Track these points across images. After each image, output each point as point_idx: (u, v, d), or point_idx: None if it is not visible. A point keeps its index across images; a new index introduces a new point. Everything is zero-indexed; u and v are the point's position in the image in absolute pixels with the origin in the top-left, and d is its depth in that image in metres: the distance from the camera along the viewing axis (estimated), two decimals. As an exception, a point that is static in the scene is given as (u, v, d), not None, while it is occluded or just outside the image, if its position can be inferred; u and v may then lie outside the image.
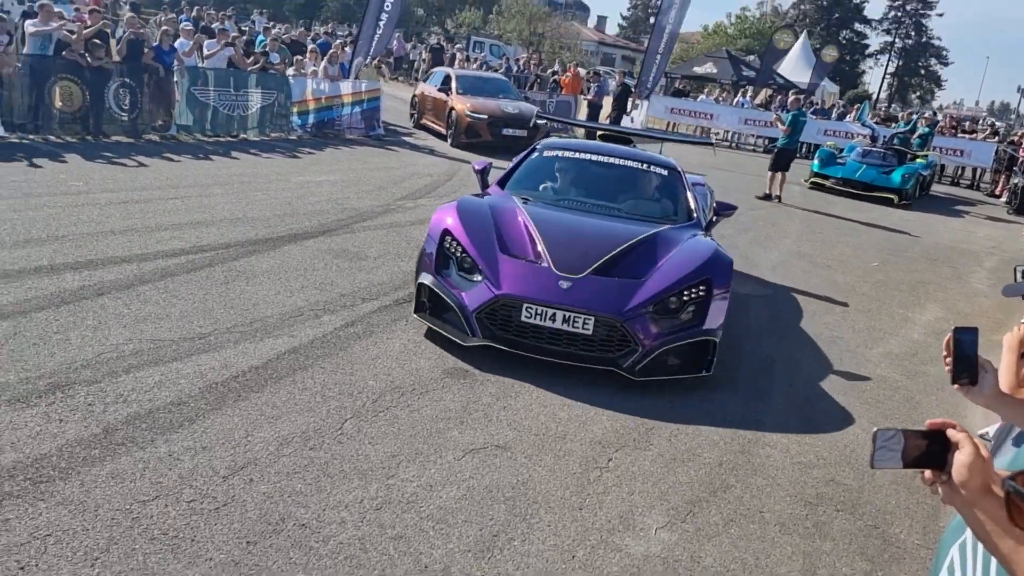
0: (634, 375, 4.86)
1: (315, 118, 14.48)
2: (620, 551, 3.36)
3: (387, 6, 15.71)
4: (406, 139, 15.97)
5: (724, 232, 9.86)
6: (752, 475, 4.18)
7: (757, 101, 25.20)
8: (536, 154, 6.91)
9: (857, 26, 60.54)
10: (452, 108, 15.48)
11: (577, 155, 6.79)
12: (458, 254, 5.21)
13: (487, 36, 44.07)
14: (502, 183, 6.56)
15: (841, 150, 17.91)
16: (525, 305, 4.85)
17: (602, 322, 4.83)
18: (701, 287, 5.09)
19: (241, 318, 5.23)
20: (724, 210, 6.84)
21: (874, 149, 17.55)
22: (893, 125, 22.71)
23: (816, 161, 17.13)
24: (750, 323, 6.88)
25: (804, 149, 20.44)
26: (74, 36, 11.19)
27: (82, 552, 2.85)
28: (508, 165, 7.06)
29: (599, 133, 8.05)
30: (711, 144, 8.81)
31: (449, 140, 15.51)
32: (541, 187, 6.55)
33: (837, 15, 58.76)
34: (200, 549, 2.96)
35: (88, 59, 11.06)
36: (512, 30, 44.39)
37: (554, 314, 4.82)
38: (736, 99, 25.97)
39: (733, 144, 23.92)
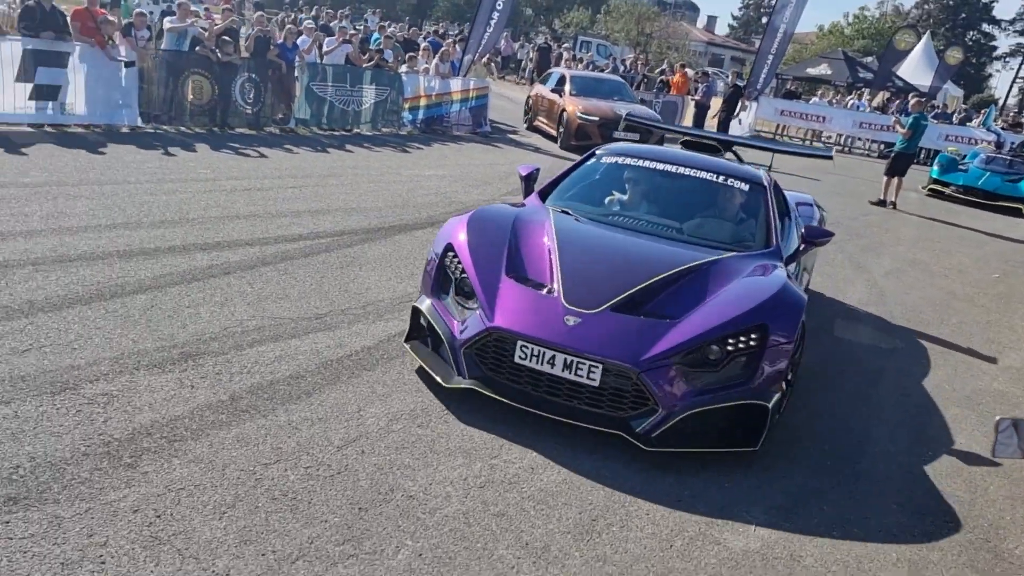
0: (649, 444, 3.83)
1: (425, 114, 14.86)
2: (718, 544, 3.37)
3: (498, 5, 15.93)
4: (512, 136, 16.18)
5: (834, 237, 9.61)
6: (857, 481, 4.10)
7: (874, 104, 24.25)
8: (593, 160, 5.92)
9: (985, 27, 57.36)
10: (563, 109, 15.43)
11: (641, 163, 5.68)
12: (458, 274, 4.39)
13: (594, 36, 43.97)
14: (544, 193, 5.60)
15: (963, 156, 17.08)
16: (520, 343, 3.95)
17: (612, 371, 3.86)
18: (753, 335, 3.98)
19: (355, 301, 5.48)
20: (815, 237, 5.39)
21: (1000, 156, 16.68)
22: (1022, 131, 21.46)
23: (936, 167, 16.41)
24: (860, 330, 6.70)
25: (922, 155, 19.56)
26: (206, 33, 11.86)
27: (211, 506, 3.08)
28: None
29: (682, 139, 6.84)
30: (830, 157, 7.89)
31: (559, 143, 15.34)
32: (589, 199, 5.54)
33: (964, 15, 55.85)
34: (316, 511, 3.15)
35: (218, 55, 11.70)
36: (620, 30, 44.14)
37: (553, 357, 3.90)
38: (851, 101, 25.08)
39: (846, 148, 23.12)
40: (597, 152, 6.01)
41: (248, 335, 4.67)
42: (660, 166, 5.65)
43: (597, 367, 3.86)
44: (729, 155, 6.75)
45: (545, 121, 16.78)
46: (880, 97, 24.86)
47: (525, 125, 17.75)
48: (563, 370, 3.90)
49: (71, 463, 3.20)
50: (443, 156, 12.68)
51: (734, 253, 4.82)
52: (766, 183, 5.61)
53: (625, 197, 5.58)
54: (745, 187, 5.52)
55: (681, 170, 5.60)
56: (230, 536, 2.93)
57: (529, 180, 5.93)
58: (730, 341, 3.97)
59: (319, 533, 3.02)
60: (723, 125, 19.63)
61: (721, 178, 5.56)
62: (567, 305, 4.06)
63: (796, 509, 3.74)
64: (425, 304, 4.45)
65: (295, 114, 12.85)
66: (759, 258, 4.84)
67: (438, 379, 4.18)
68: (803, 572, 3.28)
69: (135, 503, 3.03)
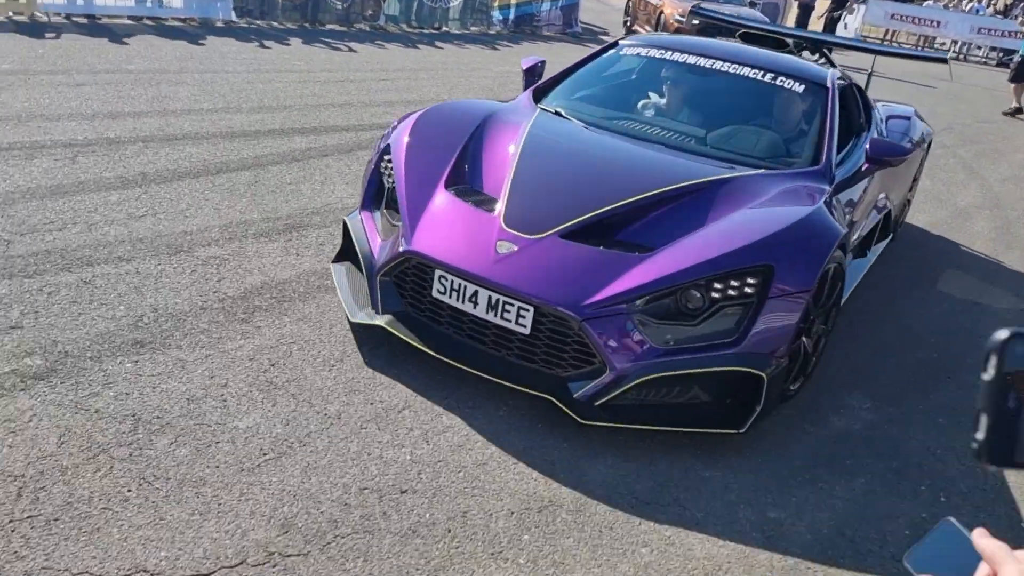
0: (587, 415, 2.94)
1: (515, 12, 14.51)
2: (818, 423, 3.33)
3: None
4: (603, 38, 15.69)
5: (944, 142, 9.14)
6: (967, 375, 3.97)
7: (996, 7, 22.48)
8: (612, 51, 4.82)
9: None
10: (661, 11, 14.81)
11: (669, 55, 4.55)
12: (391, 183, 3.55)
13: (690, -63, 41.76)
14: (542, 90, 4.51)
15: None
16: (439, 273, 3.11)
17: (547, 317, 2.95)
18: (749, 279, 2.95)
19: (450, 185, 5.49)
20: (882, 155, 4.08)
21: None
22: None
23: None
24: (973, 231, 6.38)
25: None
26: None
27: (320, 359, 3.20)
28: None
29: (739, 32, 5.60)
30: (944, 60, 6.20)
31: (659, 49, 14.76)
32: (596, 99, 4.50)
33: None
34: (419, 369, 3.23)
35: (309, -53, 11.60)
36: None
37: (475, 293, 3.03)
38: (969, 5, 23.32)
39: (961, 56, 21.64)
40: (620, 42, 4.89)
41: (348, 211, 4.73)
42: (693, 60, 4.49)
43: (528, 310, 2.96)
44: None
45: (643, 25, 16.14)
46: (1002, 0, 23.02)
47: (624, 32, 17.12)
48: (487, 311, 3.03)
49: (190, 315, 3.35)
50: (532, 54, 12.40)
51: (763, 171, 3.72)
52: (830, 84, 4.37)
53: (643, 98, 4.54)
54: (799, 88, 4.31)
55: (719, 65, 4.41)
56: (339, 385, 3.04)
57: (531, 75, 4.76)
58: (716, 286, 2.95)
59: (422, 388, 3.11)
60: (830, 26, 18.57)
61: (769, 76, 4.35)
62: (505, 227, 3.15)
63: (902, 397, 3.65)
64: (355, 219, 3.63)
65: (384, 11, 12.72)
66: (796, 178, 3.72)
67: (346, 312, 3.41)
68: (907, 450, 3.22)
69: (251, 353, 3.16)
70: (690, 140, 4.01)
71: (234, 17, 11.05)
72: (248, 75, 7.95)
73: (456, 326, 3.15)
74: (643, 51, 4.72)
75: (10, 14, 9.04)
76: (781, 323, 3.00)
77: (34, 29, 8.63)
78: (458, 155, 3.57)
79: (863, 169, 4.19)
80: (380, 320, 3.25)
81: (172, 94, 6.77)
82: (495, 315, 3.02)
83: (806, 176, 3.78)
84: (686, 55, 4.53)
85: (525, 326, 2.98)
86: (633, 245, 3.12)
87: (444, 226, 3.23)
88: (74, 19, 9.48)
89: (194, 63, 8.19)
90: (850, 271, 4.06)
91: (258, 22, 11.31)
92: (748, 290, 2.95)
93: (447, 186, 3.41)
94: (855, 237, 4.31)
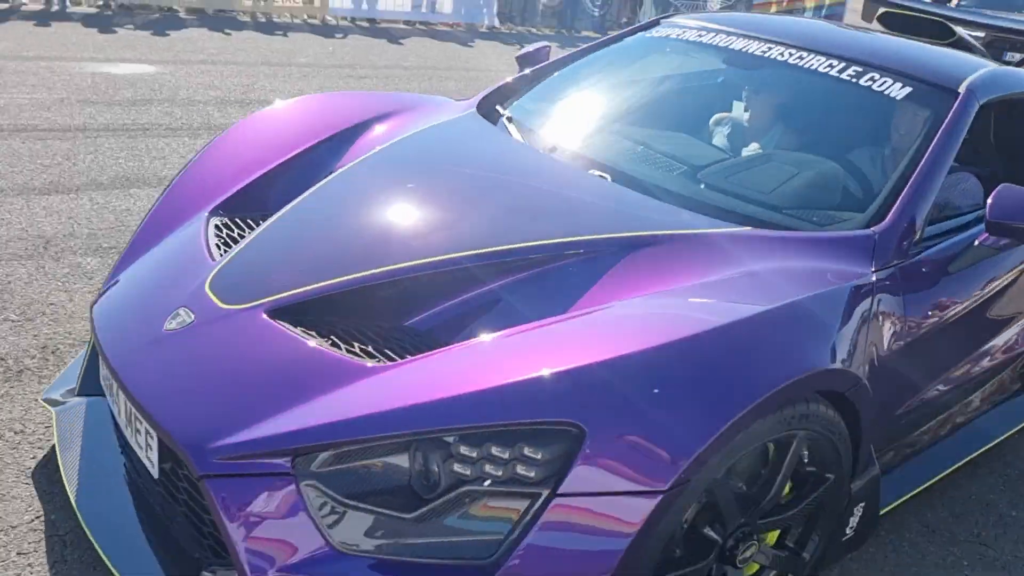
0: None
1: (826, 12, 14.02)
2: None
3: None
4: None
5: None
6: None
7: None
8: (642, 34, 3.13)
9: None
10: None
11: (717, 42, 2.85)
12: None
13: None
14: (500, 96, 2.92)
15: None
16: (101, 356, 1.90)
17: (174, 458, 1.67)
18: (528, 450, 1.47)
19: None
20: (1014, 218, 2.10)
21: None
22: None
23: None
24: None
25: None
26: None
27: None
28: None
29: (879, 12, 3.76)
30: None
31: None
32: (587, 108, 2.90)
33: None
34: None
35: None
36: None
37: (118, 393, 1.83)
38: None
39: None
40: (663, 22, 3.15)
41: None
42: (754, 47, 2.78)
43: (152, 439, 1.70)
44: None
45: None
46: None
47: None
48: (127, 425, 1.81)
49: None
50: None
51: (749, 229, 2.11)
52: (964, 90, 2.40)
53: (655, 107, 3.01)
54: (900, 92, 2.46)
55: (793, 56, 2.69)
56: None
57: (525, 62, 3.30)
58: (464, 452, 1.49)
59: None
60: None
61: (852, 72, 2.57)
62: (207, 288, 1.91)
63: None
64: None
65: (640, 16, 12.73)
66: (808, 247, 2.08)
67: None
68: None
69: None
70: (674, 173, 2.44)
71: (497, 23, 11.57)
72: (507, 72, 8.23)
73: (121, 443, 1.93)
74: (681, 32, 2.98)
75: (305, 17, 10.16)
76: (592, 545, 1.51)
77: (325, 30, 9.57)
78: (274, 168, 2.44)
79: (978, 244, 2.29)
80: (59, 407, 2.15)
81: (440, 87, 7.18)
82: (134, 437, 1.79)
83: (834, 245, 2.09)
84: (746, 40, 2.81)
85: (153, 463, 1.72)
86: (422, 340, 1.77)
87: (148, 273, 2.12)
88: (358, 22, 10.41)
89: (460, 62, 8.66)
90: (993, 418, 2.68)
91: (518, 27, 11.76)
92: (525, 471, 1.47)
93: (221, 210, 2.29)
94: (972, 365, 2.47)
